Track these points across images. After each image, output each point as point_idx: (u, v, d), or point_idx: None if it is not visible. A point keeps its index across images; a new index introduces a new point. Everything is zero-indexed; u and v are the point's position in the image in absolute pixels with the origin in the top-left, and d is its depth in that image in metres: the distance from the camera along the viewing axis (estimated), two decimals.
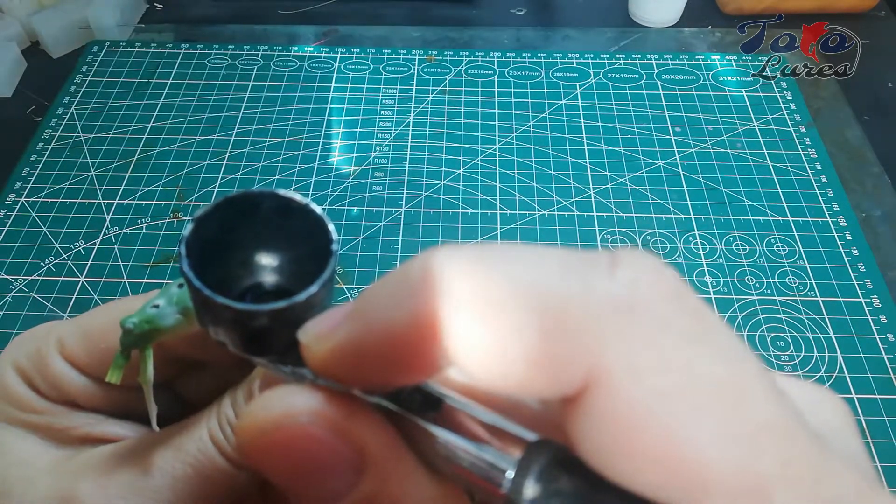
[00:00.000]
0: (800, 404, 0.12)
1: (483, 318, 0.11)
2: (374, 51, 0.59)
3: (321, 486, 0.13)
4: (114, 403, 0.19)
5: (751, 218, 0.47)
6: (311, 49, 0.60)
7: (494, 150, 0.52)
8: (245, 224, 0.16)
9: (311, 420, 0.13)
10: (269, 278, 0.16)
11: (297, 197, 0.15)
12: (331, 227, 0.15)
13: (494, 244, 0.12)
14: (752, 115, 0.54)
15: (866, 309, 0.42)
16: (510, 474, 0.12)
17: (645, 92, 0.56)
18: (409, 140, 0.52)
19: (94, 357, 0.19)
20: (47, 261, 0.45)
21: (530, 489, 0.12)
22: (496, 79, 0.57)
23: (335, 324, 0.13)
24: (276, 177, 0.50)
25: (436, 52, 0.59)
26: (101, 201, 0.48)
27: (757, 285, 0.44)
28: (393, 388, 0.14)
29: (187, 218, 0.15)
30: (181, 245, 0.14)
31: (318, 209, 0.15)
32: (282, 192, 0.15)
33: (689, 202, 0.48)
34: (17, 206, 0.48)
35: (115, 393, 0.19)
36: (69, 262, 0.45)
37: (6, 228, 0.47)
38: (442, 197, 0.49)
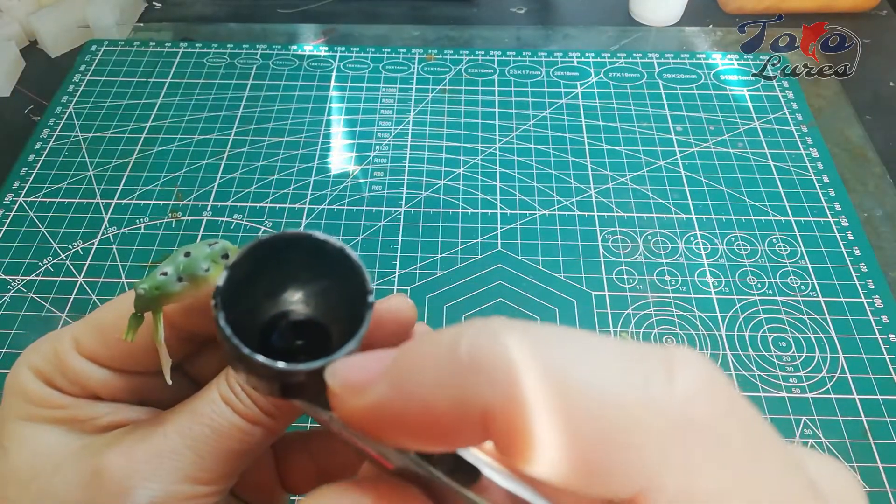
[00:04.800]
0: (826, 489, 0.12)
1: (532, 416, 0.11)
2: (373, 50, 0.59)
3: None
4: (133, 391, 0.21)
5: (752, 218, 0.47)
6: (311, 48, 0.60)
7: (495, 149, 0.51)
8: (275, 261, 0.16)
9: None
10: (296, 308, 0.17)
11: (332, 240, 0.15)
12: (367, 277, 0.15)
13: (547, 326, 0.12)
14: (754, 115, 0.54)
15: (868, 309, 0.42)
16: None
17: (646, 91, 0.55)
18: (409, 139, 0.52)
19: (112, 349, 0.20)
20: (45, 260, 0.45)
21: None
22: (496, 78, 0.57)
23: (368, 380, 0.13)
24: (275, 176, 0.50)
25: (436, 51, 0.59)
26: (100, 201, 0.48)
27: (758, 285, 0.43)
28: (421, 451, 0.13)
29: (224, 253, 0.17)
30: (216, 296, 0.15)
31: (354, 256, 0.15)
32: (317, 234, 0.15)
33: (690, 202, 0.48)
34: (16, 206, 0.48)
35: (133, 381, 0.21)
36: (67, 261, 0.45)
37: (4, 228, 0.46)
38: (442, 197, 0.48)
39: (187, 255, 0.17)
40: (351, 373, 0.13)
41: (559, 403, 0.11)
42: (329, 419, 0.15)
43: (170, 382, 0.19)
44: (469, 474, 0.13)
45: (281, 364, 0.14)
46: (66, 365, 0.20)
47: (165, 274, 0.17)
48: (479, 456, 0.13)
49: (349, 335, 0.15)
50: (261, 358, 0.14)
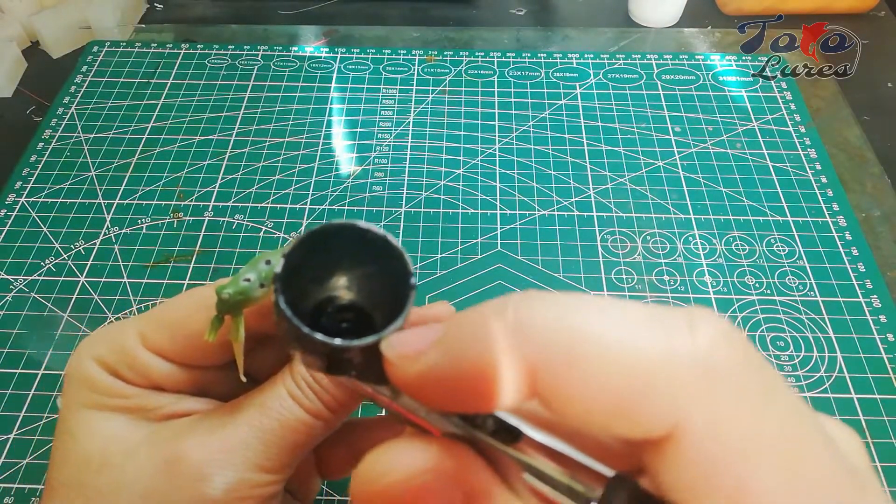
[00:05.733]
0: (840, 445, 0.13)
1: (576, 371, 0.12)
2: (374, 51, 0.60)
3: None
4: (193, 383, 0.22)
5: (750, 218, 0.47)
6: (312, 49, 0.60)
7: (494, 150, 0.52)
8: (323, 250, 0.17)
9: (433, 477, 0.14)
10: (342, 293, 0.18)
11: (375, 228, 0.17)
12: (409, 261, 0.16)
13: (579, 294, 0.13)
14: (752, 115, 0.54)
15: (866, 309, 0.42)
16: None
17: (645, 92, 0.56)
18: (409, 140, 0.52)
19: (179, 345, 0.21)
20: (47, 261, 0.45)
21: None
22: (496, 79, 0.57)
23: (421, 348, 0.14)
24: (277, 177, 0.50)
25: (436, 53, 0.59)
26: (102, 201, 0.48)
27: (757, 285, 0.44)
28: (470, 412, 0.15)
29: (282, 244, 0.18)
30: (276, 282, 0.16)
31: (396, 242, 0.17)
32: (361, 223, 0.17)
33: (688, 202, 0.48)
34: (18, 206, 0.48)
35: (195, 374, 0.22)
36: (69, 261, 0.45)
37: (6, 228, 0.47)
38: (442, 197, 0.49)
39: (268, 262, 0.19)
40: (406, 343, 0.14)
41: (595, 357, 0.12)
42: (376, 391, 0.16)
43: (244, 380, 0.20)
44: (510, 434, 0.14)
45: (338, 340, 0.15)
46: (134, 358, 0.21)
47: (248, 280, 0.19)
48: (516, 419, 0.14)
49: (391, 317, 0.16)
50: (319, 336, 0.15)
